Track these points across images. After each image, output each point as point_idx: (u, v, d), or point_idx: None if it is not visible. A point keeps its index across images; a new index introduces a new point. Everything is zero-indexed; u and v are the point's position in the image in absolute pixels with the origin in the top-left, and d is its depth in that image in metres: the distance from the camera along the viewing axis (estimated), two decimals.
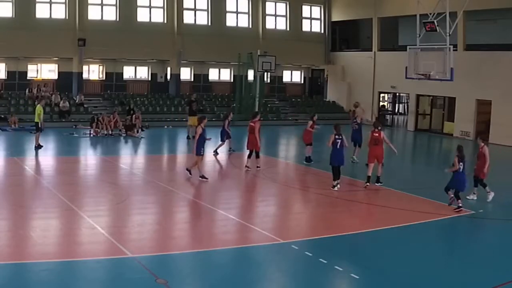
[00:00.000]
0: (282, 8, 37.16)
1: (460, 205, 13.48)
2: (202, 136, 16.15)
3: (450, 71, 24.53)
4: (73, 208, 12.54)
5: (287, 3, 37.07)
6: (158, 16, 33.27)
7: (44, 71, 32.15)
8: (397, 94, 36.83)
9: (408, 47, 26.86)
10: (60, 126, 27.32)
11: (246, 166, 18.17)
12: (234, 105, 32.51)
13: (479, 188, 14.75)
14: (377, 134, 16.26)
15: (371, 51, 35.34)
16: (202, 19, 34.57)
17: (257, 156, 18.33)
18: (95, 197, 14.13)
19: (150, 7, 33.01)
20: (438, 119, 32.51)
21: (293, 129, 31.06)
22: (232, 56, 33.06)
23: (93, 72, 33.51)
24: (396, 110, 39.54)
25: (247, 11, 35.84)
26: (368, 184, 15.88)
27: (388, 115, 37.48)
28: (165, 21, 33.19)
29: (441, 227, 12.73)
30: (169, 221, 12.54)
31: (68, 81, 31.33)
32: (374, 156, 16.12)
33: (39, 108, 21.20)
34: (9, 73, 30.93)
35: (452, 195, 13.63)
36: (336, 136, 15.46)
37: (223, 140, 21.17)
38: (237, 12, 35.60)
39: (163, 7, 33.17)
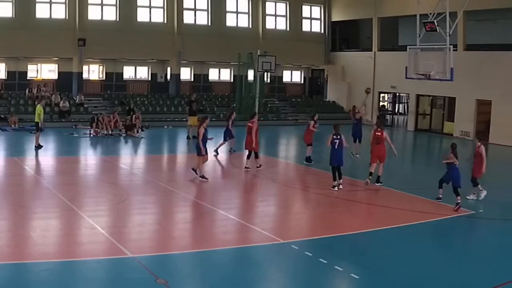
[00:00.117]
0: (282, 8, 37.15)
1: (459, 201, 13.51)
2: (204, 136, 16.16)
3: (450, 71, 24.50)
4: (73, 208, 12.54)
5: (287, 3, 37.06)
6: (158, 16, 33.27)
7: (44, 71, 32.15)
8: (397, 94, 36.85)
9: (408, 47, 26.82)
10: (60, 126, 27.31)
11: (245, 167, 18.18)
12: (234, 105, 32.51)
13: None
14: (379, 133, 16.34)
15: (371, 51, 35.33)
16: (202, 19, 34.57)
17: (256, 157, 18.31)
18: (95, 197, 14.13)
19: (150, 7, 33.01)
20: (438, 119, 32.51)
21: (293, 129, 31.06)
22: (232, 56, 33.09)
23: (93, 72, 33.51)
24: (396, 110, 39.55)
25: (247, 11, 35.83)
26: (370, 178, 15.98)
27: (388, 115, 37.44)
28: (165, 21, 33.19)
29: (441, 227, 12.72)
30: (169, 221, 12.54)
31: (68, 81, 31.33)
32: (377, 156, 16.21)
33: (39, 108, 21.20)
34: (9, 73, 30.93)
35: (441, 195, 14.06)
36: (334, 136, 15.48)
37: (225, 140, 21.15)
38: (237, 12, 35.60)
39: (163, 7, 33.17)
